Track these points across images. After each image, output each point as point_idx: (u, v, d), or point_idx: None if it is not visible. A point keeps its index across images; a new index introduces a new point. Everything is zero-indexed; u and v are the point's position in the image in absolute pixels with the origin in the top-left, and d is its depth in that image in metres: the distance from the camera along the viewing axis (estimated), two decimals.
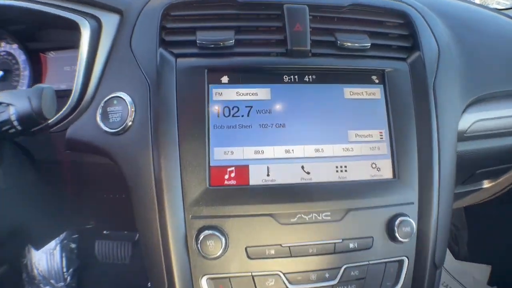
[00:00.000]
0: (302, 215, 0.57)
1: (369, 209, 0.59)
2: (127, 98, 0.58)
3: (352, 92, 0.63)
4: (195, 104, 0.58)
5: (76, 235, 1.36)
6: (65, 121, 0.62)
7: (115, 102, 0.59)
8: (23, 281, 1.30)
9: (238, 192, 0.56)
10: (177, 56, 0.60)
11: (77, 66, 0.62)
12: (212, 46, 0.60)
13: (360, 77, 0.64)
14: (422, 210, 0.60)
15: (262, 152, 0.59)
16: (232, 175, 0.58)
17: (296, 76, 0.62)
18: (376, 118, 0.63)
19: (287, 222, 0.57)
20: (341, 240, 0.58)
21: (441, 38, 0.70)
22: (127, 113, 0.58)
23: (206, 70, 0.59)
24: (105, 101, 0.59)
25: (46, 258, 1.33)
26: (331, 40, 0.64)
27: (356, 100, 0.63)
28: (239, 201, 0.56)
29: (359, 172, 0.61)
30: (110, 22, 0.65)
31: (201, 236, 0.53)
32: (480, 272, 1.28)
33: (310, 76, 0.62)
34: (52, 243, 1.34)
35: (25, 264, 1.32)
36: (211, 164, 0.57)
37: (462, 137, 0.71)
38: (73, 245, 1.37)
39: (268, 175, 0.58)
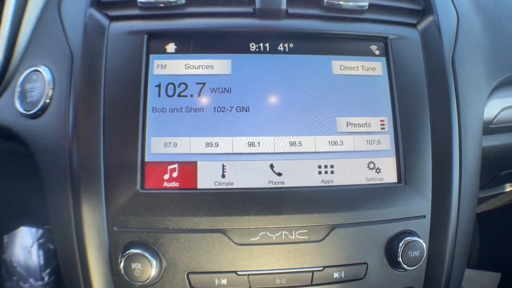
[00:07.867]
0: (267, 233, 0.47)
1: (363, 226, 0.48)
2: (46, 72, 0.51)
3: (343, 66, 0.52)
4: (129, 79, 0.49)
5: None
6: None
7: (34, 77, 0.52)
8: (2, 277, 1.29)
9: (180, 199, 0.47)
10: (112, 19, 0.52)
11: None
12: (158, 5, 0.52)
13: (355, 47, 0.54)
14: (435, 227, 0.50)
15: (216, 144, 0.49)
16: (174, 174, 0.48)
17: (267, 44, 0.52)
18: (376, 102, 0.52)
19: (246, 242, 0.47)
20: (321, 268, 0.47)
21: (460, 2, 0.61)
22: (44, 90, 0.51)
23: (146, 36, 0.51)
24: (24, 77, 0.52)
25: (23, 256, 1.33)
26: None
27: (348, 77, 0.52)
28: (181, 211, 0.46)
29: (350, 174, 0.50)
30: None
31: (126, 256, 0.45)
32: (489, 280, 1.27)
33: (286, 45, 0.52)
34: (29, 241, 1.33)
35: (5, 260, 1.30)
36: (146, 160, 0.48)
37: (487, 128, 0.62)
38: (51, 246, 1.32)
39: (223, 176, 0.48)
